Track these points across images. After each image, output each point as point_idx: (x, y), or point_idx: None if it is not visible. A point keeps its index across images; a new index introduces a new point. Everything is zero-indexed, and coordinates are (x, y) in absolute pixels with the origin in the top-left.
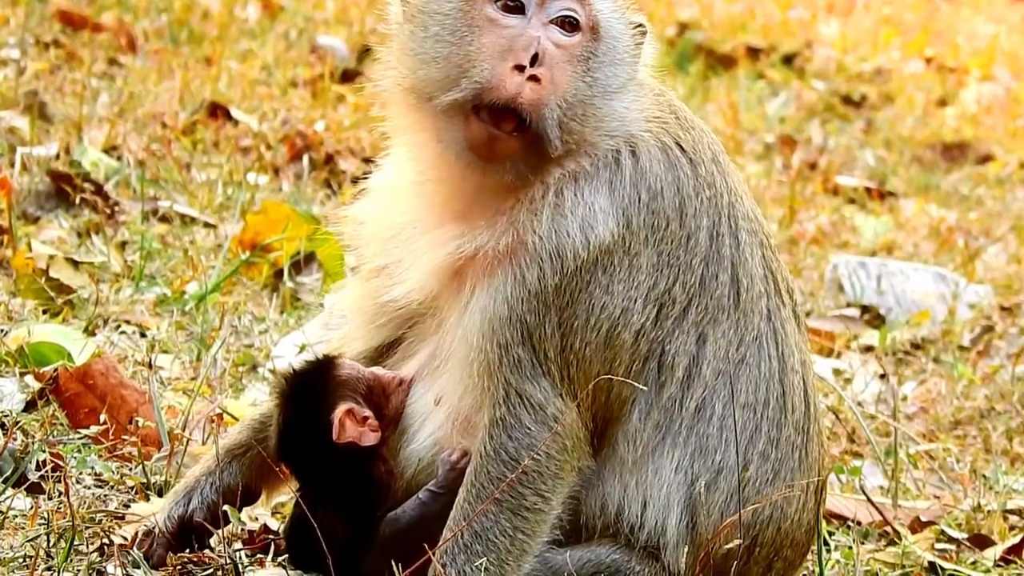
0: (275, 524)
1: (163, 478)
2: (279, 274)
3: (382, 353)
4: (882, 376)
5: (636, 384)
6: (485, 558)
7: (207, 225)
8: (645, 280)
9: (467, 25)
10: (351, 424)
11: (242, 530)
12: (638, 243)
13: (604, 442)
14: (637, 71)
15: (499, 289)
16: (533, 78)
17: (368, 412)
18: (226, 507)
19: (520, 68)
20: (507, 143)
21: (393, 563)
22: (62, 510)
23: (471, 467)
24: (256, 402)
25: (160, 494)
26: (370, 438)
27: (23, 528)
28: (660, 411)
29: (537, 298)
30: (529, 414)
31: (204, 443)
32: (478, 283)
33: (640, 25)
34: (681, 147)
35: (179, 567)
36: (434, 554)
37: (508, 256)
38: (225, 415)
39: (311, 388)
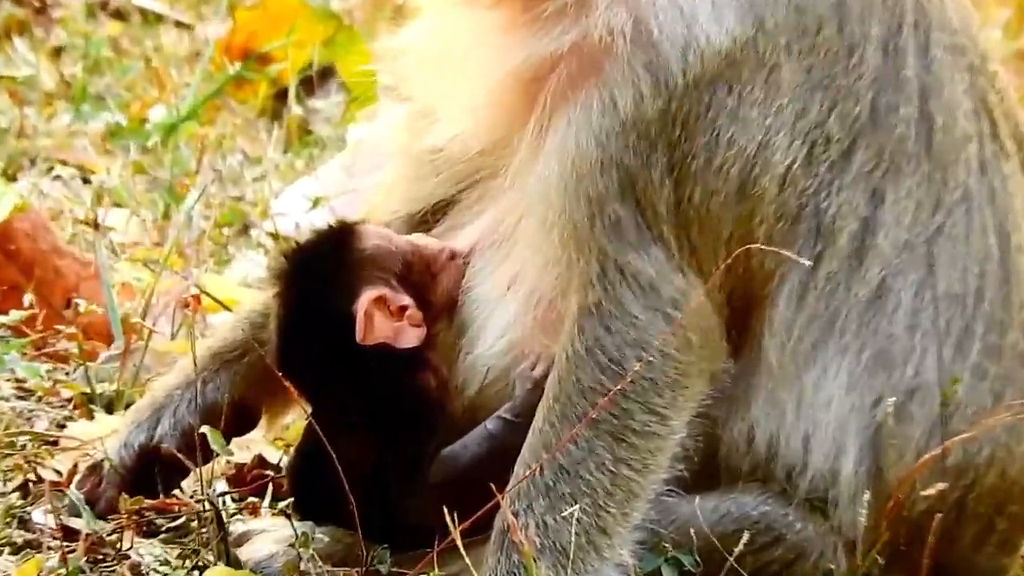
0: (274, 455)
1: (114, 387)
2: (282, 96)
3: (427, 218)
4: None
5: (790, 254)
6: (576, 503)
7: (179, 24)
8: (789, 105)
9: None
10: (381, 317)
11: (227, 464)
12: (776, 52)
13: (744, 339)
14: None
15: (582, 122)
16: None
17: (407, 300)
18: (205, 429)
19: None
20: None
21: (446, 512)
22: None
23: (553, 375)
24: (250, 280)
25: (109, 410)
26: (410, 336)
27: None
28: (818, 297)
29: (636, 131)
30: (636, 297)
31: (174, 338)
32: (552, 114)
33: None
34: None
35: (137, 516)
36: (503, 498)
37: (590, 74)
38: (204, 297)
39: (324, 268)
